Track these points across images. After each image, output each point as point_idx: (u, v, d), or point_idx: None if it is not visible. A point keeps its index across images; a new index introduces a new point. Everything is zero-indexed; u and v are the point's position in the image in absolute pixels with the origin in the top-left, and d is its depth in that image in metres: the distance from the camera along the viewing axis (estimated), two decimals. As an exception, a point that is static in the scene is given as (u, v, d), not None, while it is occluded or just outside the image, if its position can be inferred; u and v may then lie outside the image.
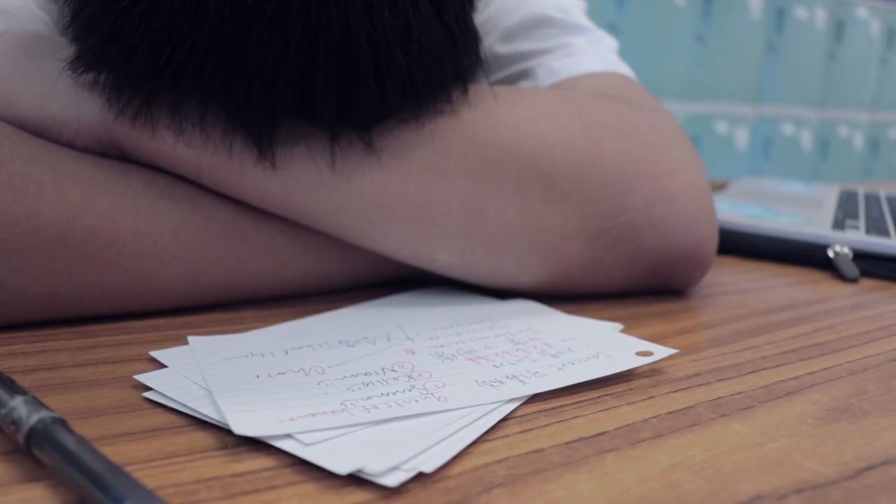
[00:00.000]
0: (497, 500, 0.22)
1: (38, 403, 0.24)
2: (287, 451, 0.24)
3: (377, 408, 0.27)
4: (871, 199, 0.75)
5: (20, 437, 0.23)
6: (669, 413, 0.29)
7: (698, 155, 0.44)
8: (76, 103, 0.36)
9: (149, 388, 0.28)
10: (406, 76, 0.34)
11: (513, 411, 0.28)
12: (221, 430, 0.26)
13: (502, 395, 0.29)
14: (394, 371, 0.31)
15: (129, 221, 0.35)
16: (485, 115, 0.39)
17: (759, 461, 0.25)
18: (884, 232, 0.58)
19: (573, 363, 0.32)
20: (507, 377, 0.30)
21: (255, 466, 0.24)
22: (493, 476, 0.24)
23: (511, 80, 0.49)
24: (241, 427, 0.25)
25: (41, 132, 0.36)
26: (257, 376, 0.30)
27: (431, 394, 0.28)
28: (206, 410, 0.26)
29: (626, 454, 0.25)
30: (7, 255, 0.32)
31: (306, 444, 0.24)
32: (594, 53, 0.48)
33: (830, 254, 0.54)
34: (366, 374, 0.30)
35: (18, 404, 0.23)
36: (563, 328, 0.37)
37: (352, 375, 0.30)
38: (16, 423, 0.23)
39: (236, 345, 0.33)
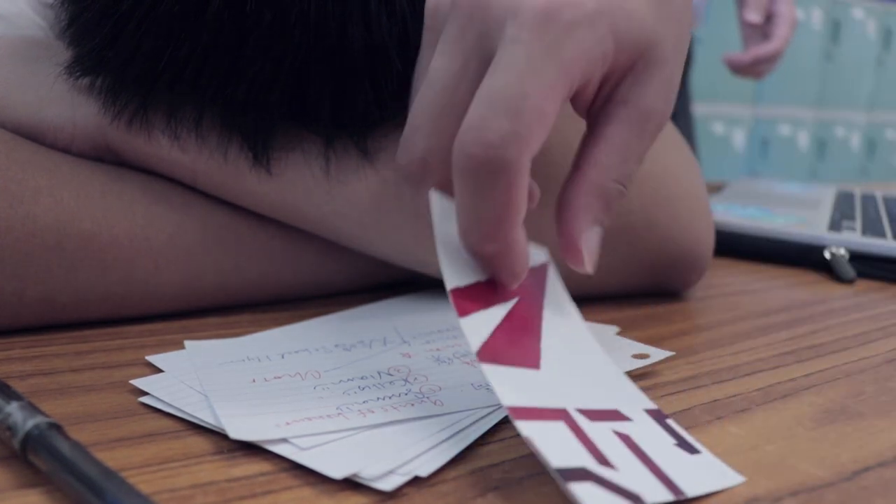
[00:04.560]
0: (493, 503, 0.22)
1: (34, 409, 0.24)
2: (283, 456, 0.24)
3: (373, 412, 0.27)
4: (868, 200, 0.75)
5: (15, 443, 0.23)
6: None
7: (694, 156, 0.44)
8: (72, 108, 0.36)
9: (145, 393, 0.28)
10: (403, 82, 0.34)
11: (509, 415, 0.28)
12: (217, 435, 0.26)
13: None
14: (390, 375, 0.31)
15: (124, 226, 0.35)
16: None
17: (755, 463, 0.25)
18: (880, 233, 0.58)
19: (569, 366, 0.32)
20: (504, 380, 0.30)
21: (252, 471, 0.24)
22: (489, 480, 0.24)
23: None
24: (237, 431, 0.25)
25: (37, 137, 0.36)
26: (253, 381, 0.30)
27: (427, 398, 0.29)
28: (203, 415, 0.26)
29: (622, 457, 0.25)
30: (3, 259, 0.32)
31: (302, 449, 0.24)
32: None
33: (827, 255, 0.54)
34: (362, 378, 0.30)
35: (14, 410, 0.23)
36: (559, 331, 0.37)
37: (348, 379, 0.30)
38: (11, 428, 0.23)
39: (233, 349, 0.33)
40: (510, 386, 0.23)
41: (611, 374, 0.27)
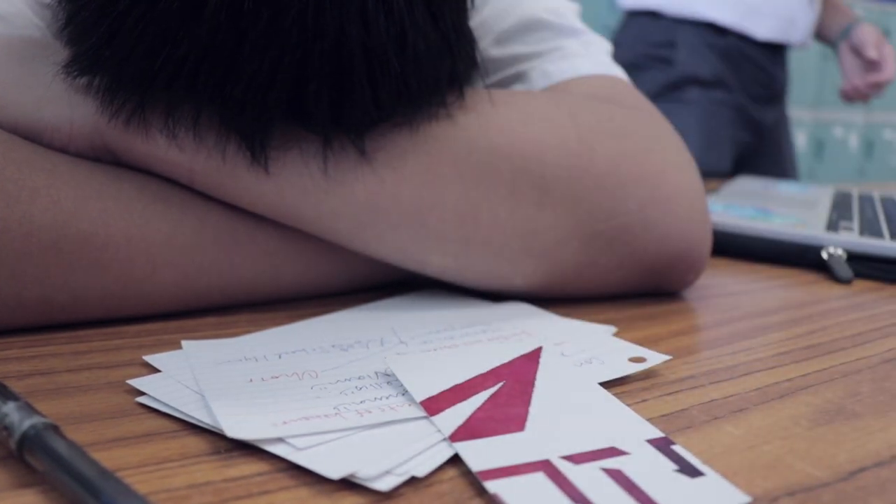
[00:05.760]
0: None
1: (31, 409, 0.24)
2: (280, 456, 0.24)
3: (370, 412, 0.27)
4: (865, 201, 0.75)
5: (12, 443, 0.23)
6: (663, 416, 0.29)
7: (691, 156, 0.44)
8: (69, 108, 0.35)
9: (142, 393, 0.28)
10: (400, 82, 0.34)
11: (506, 415, 0.28)
12: (214, 435, 0.26)
13: (496, 398, 0.29)
14: (387, 375, 0.31)
15: (121, 226, 0.35)
16: (479, 119, 0.39)
17: (751, 463, 0.25)
18: (878, 233, 0.58)
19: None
20: (501, 380, 0.30)
21: (248, 471, 0.24)
22: (486, 480, 0.24)
23: (505, 83, 0.49)
24: (233, 430, 0.25)
25: (34, 137, 0.36)
26: (251, 380, 0.30)
27: (425, 397, 0.29)
28: (199, 415, 0.26)
29: (619, 457, 0.25)
30: (0, 260, 0.32)
31: (299, 449, 0.24)
32: (587, 56, 0.48)
33: (824, 255, 0.54)
34: (359, 379, 0.30)
35: (10, 410, 0.23)
36: (556, 331, 0.37)
37: (345, 379, 0.30)
38: (8, 428, 0.23)
39: (230, 349, 0.33)
40: (483, 454, 0.24)
41: (611, 411, 0.28)
